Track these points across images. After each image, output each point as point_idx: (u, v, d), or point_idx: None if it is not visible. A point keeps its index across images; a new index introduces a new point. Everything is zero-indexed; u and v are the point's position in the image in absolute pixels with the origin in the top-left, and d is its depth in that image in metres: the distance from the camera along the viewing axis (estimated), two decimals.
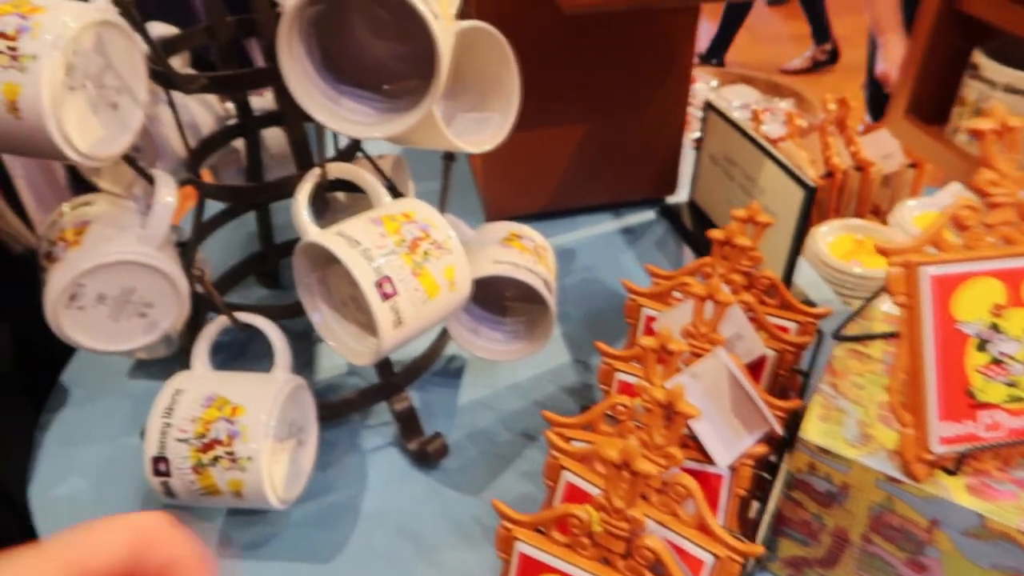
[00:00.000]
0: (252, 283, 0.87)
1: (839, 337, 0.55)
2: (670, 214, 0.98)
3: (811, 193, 0.74)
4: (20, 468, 0.70)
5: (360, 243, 0.51)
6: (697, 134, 0.94)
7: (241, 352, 0.76)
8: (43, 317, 0.59)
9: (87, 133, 0.49)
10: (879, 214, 1.16)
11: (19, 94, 0.44)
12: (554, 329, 0.67)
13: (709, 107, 0.91)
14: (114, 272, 0.57)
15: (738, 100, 1.37)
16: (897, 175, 1.11)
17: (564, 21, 0.82)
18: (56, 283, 0.56)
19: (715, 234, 0.59)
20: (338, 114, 0.50)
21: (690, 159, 0.99)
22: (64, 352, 0.80)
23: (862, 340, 0.55)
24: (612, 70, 0.88)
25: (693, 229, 0.94)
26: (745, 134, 0.84)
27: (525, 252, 0.68)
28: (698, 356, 0.55)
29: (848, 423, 0.49)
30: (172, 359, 0.76)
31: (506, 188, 0.95)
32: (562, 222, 0.98)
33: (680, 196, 1.01)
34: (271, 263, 0.85)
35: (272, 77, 0.54)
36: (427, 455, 0.66)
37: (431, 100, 0.47)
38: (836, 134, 1.09)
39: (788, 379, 0.61)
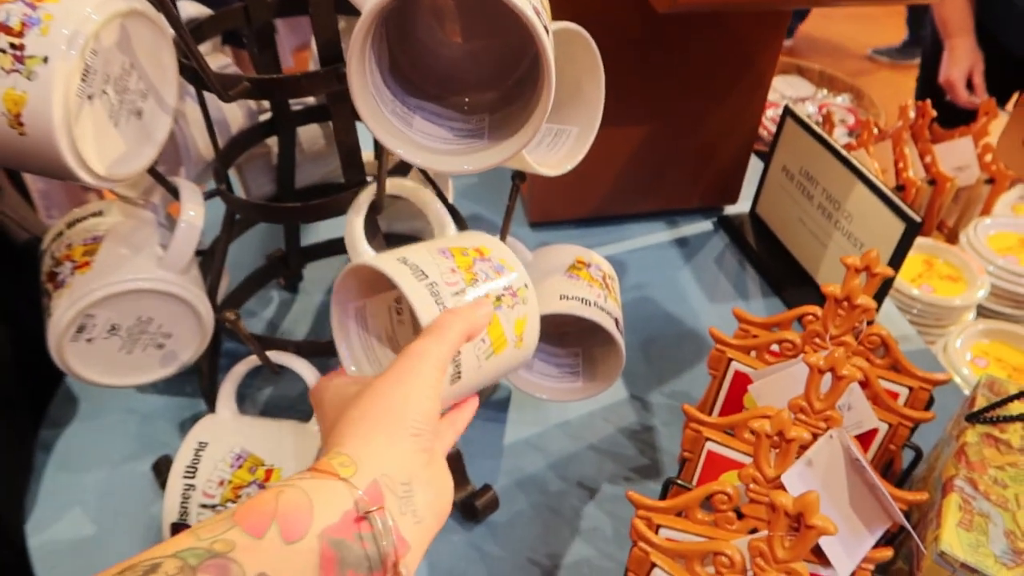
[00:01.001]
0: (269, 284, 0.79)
1: (975, 418, 0.48)
2: (729, 226, 0.90)
3: (915, 229, 0.66)
4: (17, 496, 0.62)
5: (427, 276, 0.42)
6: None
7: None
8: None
9: (105, 149, 0.40)
10: (943, 230, 1.08)
11: (24, 106, 0.35)
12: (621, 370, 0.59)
13: (787, 113, 0.82)
14: (129, 301, 0.49)
15: (792, 92, 1.28)
16: (970, 190, 1.03)
17: (639, 17, 0.72)
18: (62, 314, 0.48)
19: (832, 290, 0.51)
20: (412, 140, 0.41)
21: (753, 167, 0.91)
22: None
23: (1000, 423, 0.48)
24: (683, 70, 0.78)
25: (756, 245, 0.86)
26: (832, 150, 0.75)
27: (593, 284, 0.60)
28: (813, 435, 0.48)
29: (994, 533, 0.42)
30: (186, 372, 0.68)
31: (553, 190, 0.86)
32: (612, 229, 0.89)
33: (739, 207, 0.92)
34: (294, 268, 0.76)
35: (328, 82, 0.45)
36: (475, 510, 0.58)
37: (536, 125, 0.38)
38: (910, 143, 1.00)
39: (891, 456, 0.54)
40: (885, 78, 2.90)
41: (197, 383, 0.67)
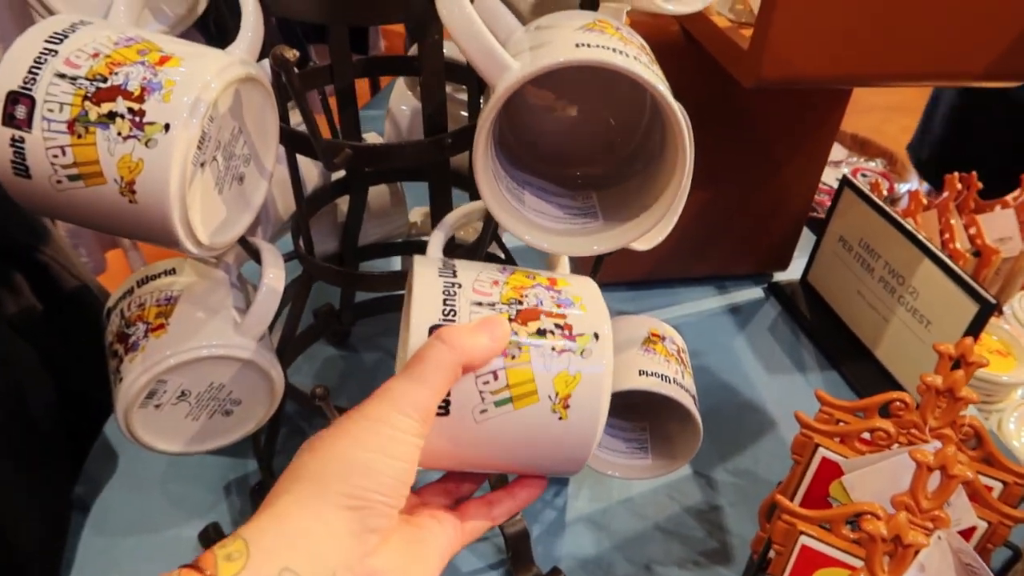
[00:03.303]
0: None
1: None
2: (781, 294, 0.88)
3: (989, 310, 0.65)
4: (53, 560, 0.59)
5: (455, 276, 0.34)
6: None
7: None
8: (94, 370, 0.49)
9: (208, 217, 0.38)
10: None
11: (139, 173, 0.34)
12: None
13: (845, 183, 0.81)
14: (205, 367, 0.47)
15: None
16: (1013, 262, 1.02)
17: (704, 82, 0.72)
18: (135, 379, 0.45)
19: (932, 380, 0.49)
20: (525, 218, 0.39)
21: (804, 235, 0.90)
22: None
23: None
24: (745, 136, 0.78)
25: (810, 315, 0.85)
26: (895, 223, 0.74)
27: (670, 359, 0.58)
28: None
29: None
30: None
31: None
32: (662, 293, 0.88)
33: (789, 274, 0.91)
34: (347, 324, 0.74)
35: (432, 151, 0.44)
36: None
37: (669, 203, 0.37)
38: (955, 214, 1.00)
39: (987, 557, 0.51)
40: (869, 123, 2.90)
41: (246, 443, 0.65)
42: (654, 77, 0.35)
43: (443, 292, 0.33)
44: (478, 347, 0.31)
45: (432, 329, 0.32)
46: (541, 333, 0.33)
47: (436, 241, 0.42)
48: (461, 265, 0.35)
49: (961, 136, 1.37)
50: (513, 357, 0.32)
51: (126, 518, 0.62)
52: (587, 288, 0.37)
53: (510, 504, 0.35)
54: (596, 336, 0.34)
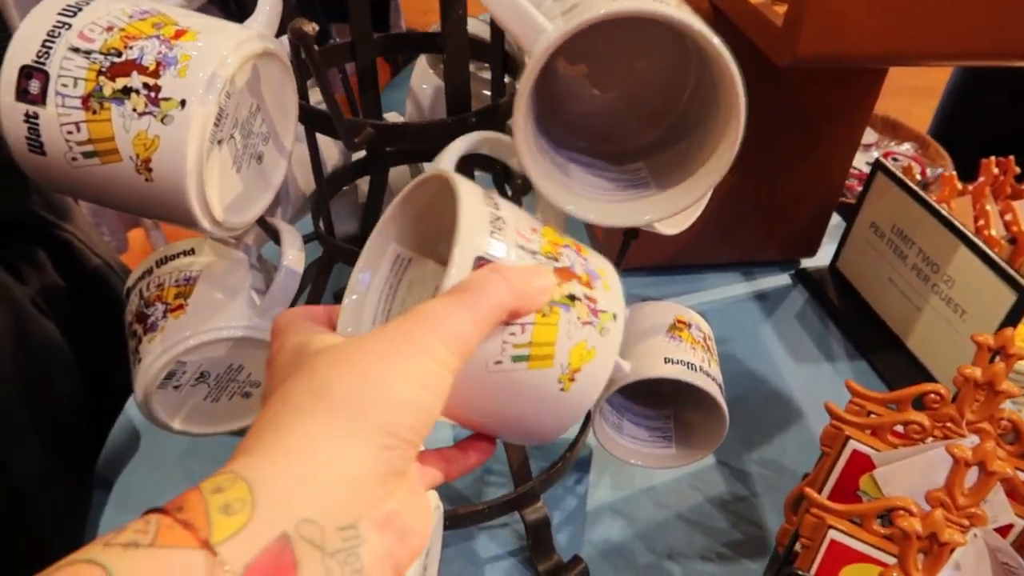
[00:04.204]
0: None
1: None
2: (809, 281, 0.86)
3: None
4: (76, 536, 0.59)
5: (499, 209, 0.31)
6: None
7: None
8: (115, 348, 0.48)
9: (226, 196, 0.38)
10: None
11: (156, 151, 0.33)
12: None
13: (878, 167, 0.79)
14: (224, 349, 0.46)
15: None
16: None
17: (736, 63, 0.70)
18: (154, 360, 0.45)
19: (972, 372, 0.48)
20: (568, 188, 0.37)
21: (833, 220, 0.87)
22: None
23: None
24: (775, 119, 0.75)
25: (838, 302, 0.83)
26: (931, 209, 0.72)
27: (696, 347, 0.57)
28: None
29: None
30: None
31: None
32: (686, 279, 0.86)
33: (817, 260, 0.89)
34: None
35: (456, 130, 0.42)
36: None
37: (726, 159, 0.35)
38: (991, 199, 0.97)
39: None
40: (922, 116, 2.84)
41: None
42: (703, 24, 0.33)
43: (490, 223, 0.29)
44: (530, 297, 0.28)
45: (478, 261, 0.28)
46: (571, 298, 0.30)
47: (453, 152, 0.37)
48: (499, 199, 0.32)
49: (971, 114, 1.34)
50: (544, 315, 0.29)
51: (146, 496, 0.62)
52: (608, 265, 0.35)
53: (462, 464, 0.31)
54: (615, 316, 0.33)
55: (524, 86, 0.32)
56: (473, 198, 0.29)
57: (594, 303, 0.32)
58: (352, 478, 0.22)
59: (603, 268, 0.34)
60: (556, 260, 0.31)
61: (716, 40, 0.33)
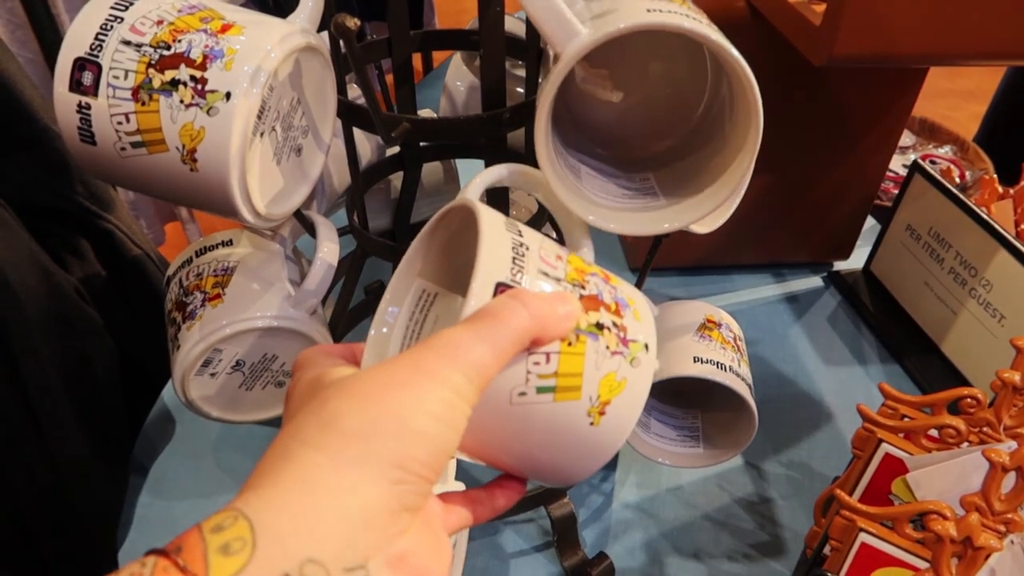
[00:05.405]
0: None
1: None
2: (842, 284, 0.85)
3: None
4: (112, 517, 0.61)
5: (523, 237, 0.30)
6: None
7: None
8: (152, 336, 0.49)
9: (266, 188, 0.38)
10: None
11: (201, 142, 0.34)
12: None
13: (916, 169, 0.78)
14: (259, 338, 0.47)
15: None
16: None
17: (771, 62, 0.69)
18: (192, 347, 0.46)
19: (1010, 377, 0.47)
20: (586, 196, 0.38)
21: (867, 223, 0.86)
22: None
23: None
24: (810, 119, 0.75)
25: (872, 306, 0.82)
26: (970, 212, 0.71)
27: (726, 347, 0.57)
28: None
29: None
30: None
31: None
32: (716, 280, 0.86)
33: (850, 263, 0.88)
34: None
35: (491, 127, 0.43)
36: None
37: (741, 173, 0.35)
38: None
39: None
40: (961, 120, 2.78)
41: None
42: (729, 44, 0.34)
43: (512, 249, 0.28)
44: (552, 323, 0.26)
45: (498, 287, 0.27)
46: (599, 327, 0.29)
47: (477, 186, 0.37)
48: (523, 226, 0.32)
49: (1017, 117, 1.31)
50: (570, 344, 0.28)
51: (181, 483, 0.63)
52: (637, 294, 0.34)
53: (489, 506, 0.30)
54: (646, 347, 0.31)
55: (551, 86, 0.32)
56: (494, 225, 0.29)
57: (624, 332, 0.31)
58: (360, 514, 0.20)
59: (633, 297, 0.33)
60: (583, 288, 0.30)
61: (745, 66, 0.33)
